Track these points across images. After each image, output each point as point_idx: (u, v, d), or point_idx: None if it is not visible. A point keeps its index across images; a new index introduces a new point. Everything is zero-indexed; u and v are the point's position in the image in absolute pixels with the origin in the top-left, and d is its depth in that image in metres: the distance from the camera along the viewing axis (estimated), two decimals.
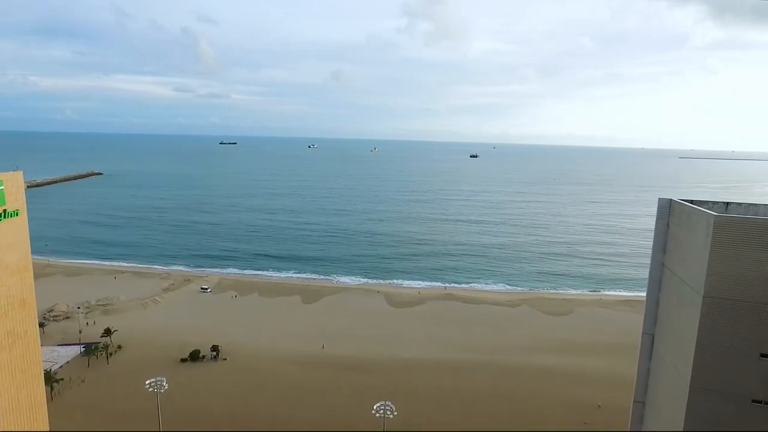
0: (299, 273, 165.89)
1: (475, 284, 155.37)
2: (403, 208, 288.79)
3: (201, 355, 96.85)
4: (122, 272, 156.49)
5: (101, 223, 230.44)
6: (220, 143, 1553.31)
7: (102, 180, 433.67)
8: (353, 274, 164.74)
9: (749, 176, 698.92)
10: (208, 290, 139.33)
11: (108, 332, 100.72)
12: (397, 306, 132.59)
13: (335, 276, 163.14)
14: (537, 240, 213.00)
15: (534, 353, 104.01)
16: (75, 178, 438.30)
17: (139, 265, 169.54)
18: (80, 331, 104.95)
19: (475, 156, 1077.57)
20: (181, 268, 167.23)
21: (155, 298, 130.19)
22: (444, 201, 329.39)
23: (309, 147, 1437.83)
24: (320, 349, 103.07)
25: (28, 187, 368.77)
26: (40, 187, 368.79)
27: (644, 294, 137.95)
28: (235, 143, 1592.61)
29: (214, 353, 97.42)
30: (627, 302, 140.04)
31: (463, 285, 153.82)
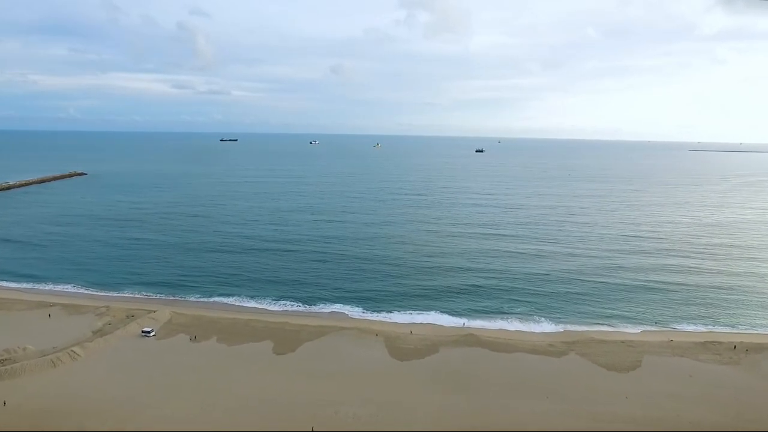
0: (277, 301, 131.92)
1: (503, 320, 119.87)
2: (407, 216, 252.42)
3: None
4: (51, 305, 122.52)
5: (45, 238, 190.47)
6: (221, 140, 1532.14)
7: (82, 181, 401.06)
8: (344, 302, 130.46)
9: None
10: (151, 334, 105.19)
11: None
12: (402, 357, 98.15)
13: (322, 306, 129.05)
14: (571, 257, 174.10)
15: None
16: (54, 179, 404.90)
17: (81, 291, 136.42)
18: None
19: (481, 151, 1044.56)
20: (128, 296, 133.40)
21: (73, 349, 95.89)
22: (454, 205, 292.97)
23: (310, 143, 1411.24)
24: None
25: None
26: (9, 190, 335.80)
27: (726, 331, 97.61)
28: (236, 140, 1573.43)
29: None
30: (706, 345, 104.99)
31: (486, 322, 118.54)
